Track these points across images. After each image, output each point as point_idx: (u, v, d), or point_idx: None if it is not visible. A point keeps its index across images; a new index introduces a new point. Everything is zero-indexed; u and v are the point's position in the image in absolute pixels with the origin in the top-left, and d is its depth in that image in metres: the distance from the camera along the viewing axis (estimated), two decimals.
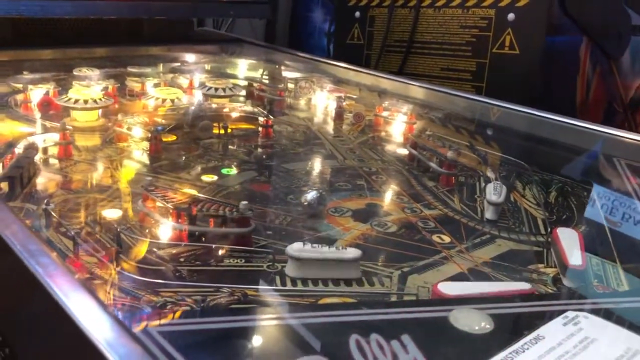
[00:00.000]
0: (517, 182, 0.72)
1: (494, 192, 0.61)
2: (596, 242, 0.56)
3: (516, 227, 0.59)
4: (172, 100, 0.86)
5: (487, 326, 0.34)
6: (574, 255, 0.48)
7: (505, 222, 0.60)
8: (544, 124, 0.85)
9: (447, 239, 0.55)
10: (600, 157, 0.78)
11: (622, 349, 0.32)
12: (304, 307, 0.40)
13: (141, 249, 0.49)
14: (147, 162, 0.72)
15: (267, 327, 0.35)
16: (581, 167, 0.79)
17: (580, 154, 0.82)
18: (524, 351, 0.31)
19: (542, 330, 0.33)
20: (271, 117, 0.86)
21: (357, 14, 1.42)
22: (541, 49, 1.10)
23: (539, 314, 0.36)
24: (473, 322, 0.34)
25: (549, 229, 0.58)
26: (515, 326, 0.34)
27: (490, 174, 0.74)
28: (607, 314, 0.37)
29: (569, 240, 0.51)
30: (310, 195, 0.59)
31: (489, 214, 0.61)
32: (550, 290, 0.47)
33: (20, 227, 0.38)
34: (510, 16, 1.12)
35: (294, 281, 0.46)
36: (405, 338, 0.32)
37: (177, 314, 0.38)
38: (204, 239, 0.51)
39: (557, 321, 0.34)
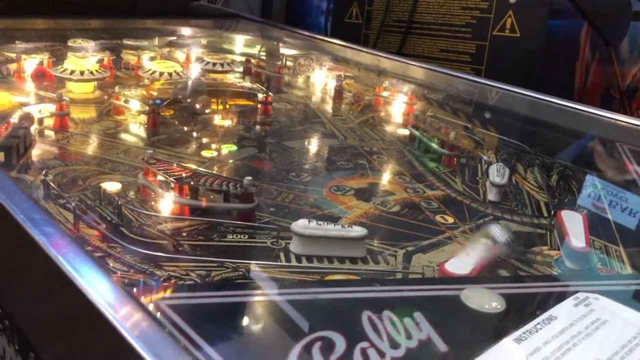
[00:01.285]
0: (518, 164, 0.72)
1: (497, 173, 0.61)
2: (599, 226, 0.56)
3: (519, 209, 0.59)
4: (170, 74, 0.85)
5: (499, 305, 0.34)
6: (578, 237, 0.48)
7: (508, 204, 0.60)
8: (546, 107, 0.85)
9: (450, 219, 0.55)
10: (601, 141, 0.78)
11: (634, 330, 0.32)
12: (314, 283, 0.40)
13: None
14: (145, 135, 0.71)
15: (276, 302, 0.34)
16: (582, 151, 0.79)
17: (581, 138, 0.81)
18: (537, 331, 0.31)
19: (554, 310, 0.33)
20: (270, 94, 0.85)
21: None
22: (542, 32, 1.09)
23: (549, 295, 0.35)
24: (485, 301, 0.33)
25: (552, 212, 0.58)
26: (526, 306, 0.34)
27: (491, 156, 0.73)
28: (616, 296, 0.37)
29: (574, 223, 0.51)
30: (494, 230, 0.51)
31: (491, 196, 0.60)
32: (554, 273, 0.47)
33: (23, 197, 0.37)
34: None
35: (298, 258, 0.45)
36: (418, 315, 0.31)
37: (183, 288, 0.37)
38: (206, 213, 0.50)
39: (569, 302, 0.34)
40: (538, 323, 0.32)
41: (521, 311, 0.33)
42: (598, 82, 1.26)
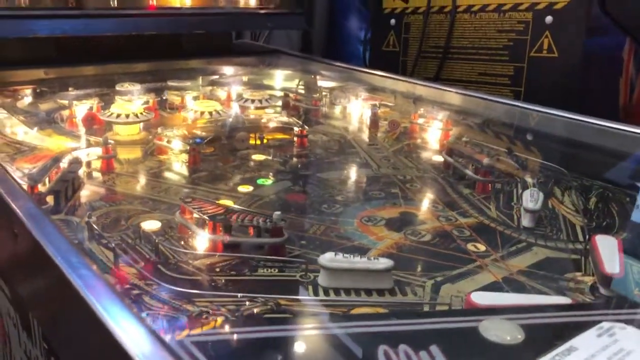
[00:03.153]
0: (555, 188, 0.71)
1: (530, 198, 0.61)
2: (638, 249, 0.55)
3: (554, 234, 0.58)
4: (211, 113, 0.88)
5: (518, 337, 0.33)
6: (612, 262, 0.47)
7: (543, 229, 0.59)
8: (583, 127, 0.83)
9: (482, 247, 0.55)
10: None
11: None
12: (335, 317, 0.40)
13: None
14: (186, 173, 0.74)
15: (299, 337, 0.35)
16: (623, 171, 0.77)
17: (622, 158, 0.79)
18: None
19: (575, 341, 0.33)
20: (306, 127, 0.87)
21: (393, 21, 1.42)
22: (580, 51, 1.08)
23: (573, 325, 0.35)
24: (503, 332, 0.33)
25: (587, 237, 0.57)
26: (547, 337, 0.33)
27: (528, 180, 0.73)
28: None
29: (608, 248, 0.50)
30: None
31: (525, 222, 0.60)
32: (588, 300, 0.46)
33: (63, 241, 0.39)
34: (548, 19, 1.10)
35: (326, 291, 0.46)
36: (434, 349, 0.32)
37: (212, 324, 0.39)
38: (239, 249, 0.52)
39: (591, 332, 0.34)
40: (557, 354, 0.32)
41: (541, 342, 0.33)
42: None
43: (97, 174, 0.72)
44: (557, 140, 0.87)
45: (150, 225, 0.57)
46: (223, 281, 0.47)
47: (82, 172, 0.70)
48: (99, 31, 1.06)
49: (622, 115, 1.18)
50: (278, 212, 0.52)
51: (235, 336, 0.37)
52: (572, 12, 1.08)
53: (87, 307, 0.33)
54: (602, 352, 0.32)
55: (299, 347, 0.34)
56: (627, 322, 0.36)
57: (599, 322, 0.35)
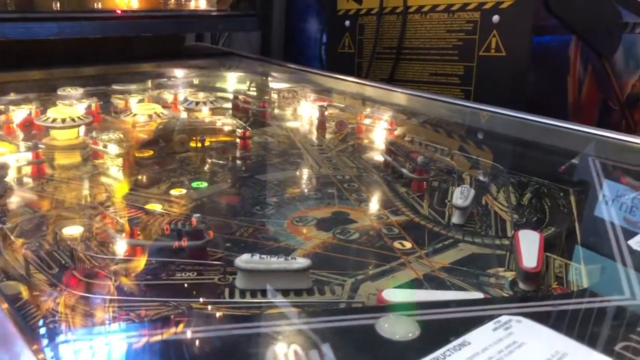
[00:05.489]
0: (491, 185, 0.71)
1: (460, 195, 0.60)
2: (563, 244, 0.55)
3: (482, 230, 0.58)
4: (150, 116, 0.87)
5: (415, 332, 0.33)
6: (530, 257, 0.47)
7: (472, 226, 0.59)
8: (525, 126, 0.84)
9: (408, 244, 0.55)
10: (581, 157, 0.77)
11: (549, 352, 0.31)
12: (234, 319, 0.40)
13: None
14: (121, 178, 0.73)
15: (191, 340, 0.34)
16: (560, 168, 0.77)
17: (563, 156, 0.80)
18: (444, 358, 0.30)
19: (470, 335, 0.32)
20: (249, 129, 0.86)
21: (347, 22, 1.42)
22: (527, 49, 1.09)
23: (472, 320, 0.35)
24: (399, 329, 0.33)
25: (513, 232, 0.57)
26: (443, 332, 0.33)
27: (465, 177, 0.73)
28: (547, 318, 0.36)
29: (529, 242, 0.50)
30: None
31: (455, 218, 0.60)
32: (505, 295, 0.46)
33: None
34: (495, 18, 1.11)
35: (243, 293, 0.45)
36: (325, 347, 0.31)
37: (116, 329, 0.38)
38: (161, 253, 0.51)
39: (488, 326, 0.33)
40: (448, 349, 0.31)
41: (437, 338, 0.32)
42: (593, 95, 1.24)
43: (27, 180, 0.70)
44: (498, 139, 0.87)
45: (72, 230, 0.56)
46: (137, 286, 0.46)
47: (11, 178, 0.68)
48: (42, 35, 1.04)
49: (570, 113, 1.20)
50: (197, 215, 0.51)
51: (136, 339, 0.36)
52: (518, 11, 1.08)
53: None
54: (494, 346, 0.32)
55: (189, 348, 0.33)
56: (528, 315, 0.35)
57: (499, 316, 0.35)
